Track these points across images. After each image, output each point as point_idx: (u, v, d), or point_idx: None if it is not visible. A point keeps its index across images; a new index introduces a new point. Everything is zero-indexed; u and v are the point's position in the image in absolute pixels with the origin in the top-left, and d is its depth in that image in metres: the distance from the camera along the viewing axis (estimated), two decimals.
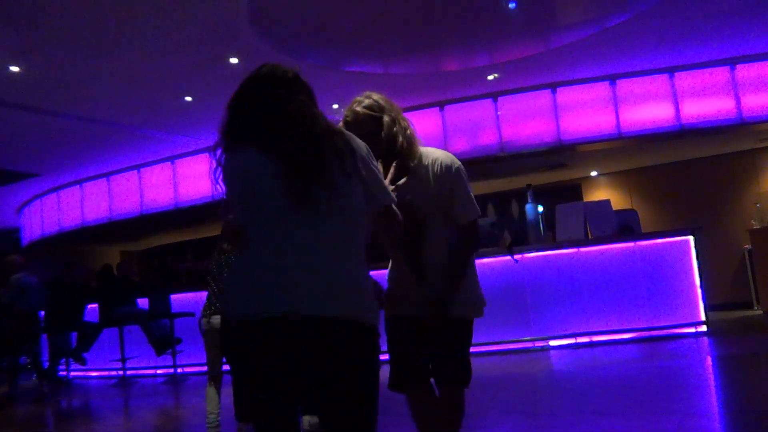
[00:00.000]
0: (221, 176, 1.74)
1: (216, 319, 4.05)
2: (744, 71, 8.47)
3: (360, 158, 1.75)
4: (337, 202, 1.66)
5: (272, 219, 1.66)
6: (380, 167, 2.07)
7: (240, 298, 1.64)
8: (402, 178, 2.42)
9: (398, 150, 2.41)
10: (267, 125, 1.70)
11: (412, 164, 2.43)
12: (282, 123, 1.70)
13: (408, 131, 2.45)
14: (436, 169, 2.44)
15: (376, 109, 2.43)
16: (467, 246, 2.51)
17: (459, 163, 2.49)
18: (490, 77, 8.37)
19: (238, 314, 1.62)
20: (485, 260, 6.73)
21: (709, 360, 5.56)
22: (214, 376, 4.17)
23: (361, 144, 1.80)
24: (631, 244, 6.74)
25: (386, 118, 2.42)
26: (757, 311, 8.49)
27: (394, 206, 1.84)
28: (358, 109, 2.41)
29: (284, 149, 1.66)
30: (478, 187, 10.46)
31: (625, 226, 6.98)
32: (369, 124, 2.39)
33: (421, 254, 2.45)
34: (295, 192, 1.63)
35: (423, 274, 2.46)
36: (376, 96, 2.47)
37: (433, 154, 2.48)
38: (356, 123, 2.38)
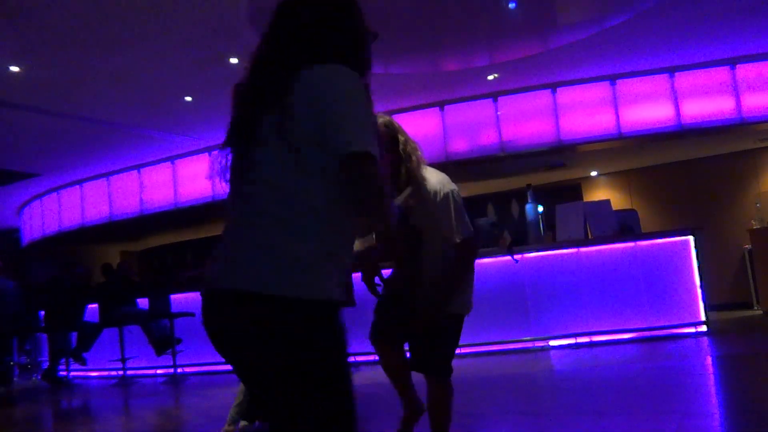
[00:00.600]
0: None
1: None
2: (744, 71, 8.46)
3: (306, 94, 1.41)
4: (264, 168, 1.43)
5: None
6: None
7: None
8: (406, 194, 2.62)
9: (408, 168, 2.63)
10: None
11: (418, 183, 2.65)
12: None
13: (418, 152, 2.70)
14: (433, 191, 2.66)
15: (391, 128, 2.67)
16: (462, 263, 2.73)
17: (453, 186, 2.72)
18: (490, 77, 8.37)
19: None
20: (485, 260, 6.73)
21: (709, 360, 5.56)
22: None
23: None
24: (631, 244, 6.74)
25: (401, 137, 2.66)
26: (757, 311, 8.49)
27: (364, 156, 1.36)
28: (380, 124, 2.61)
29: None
30: (478, 187, 10.48)
31: (625, 226, 6.98)
32: (387, 141, 2.61)
33: (419, 265, 2.70)
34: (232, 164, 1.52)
35: (419, 281, 2.70)
36: (384, 117, 2.70)
37: (433, 176, 2.71)
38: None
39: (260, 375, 1.38)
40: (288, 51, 1.50)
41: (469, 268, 2.77)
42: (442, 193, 2.65)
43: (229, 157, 1.55)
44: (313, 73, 1.41)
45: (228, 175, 1.55)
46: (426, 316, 2.65)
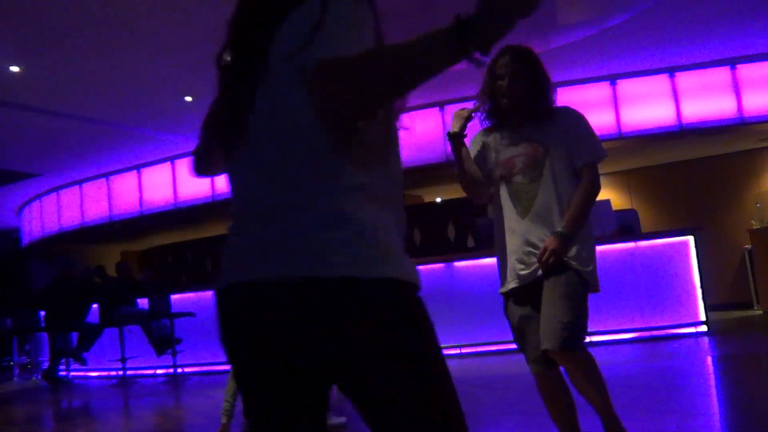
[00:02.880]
0: None
1: None
2: (744, 71, 8.46)
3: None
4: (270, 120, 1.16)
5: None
6: None
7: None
8: None
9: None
10: None
11: None
12: None
13: None
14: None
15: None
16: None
17: None
18: None
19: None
20: (486, 260, 6.72)
21: (709, 360, 5.56)
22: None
23: None
24: (631, 244, 6.74)
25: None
26: (757, 311, 8.49)
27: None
28: None
29: None
30: None
31: (625, 226, 6.97)
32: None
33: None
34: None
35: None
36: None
37: None
38: None
39: (353, 372, 1.13)
40: None
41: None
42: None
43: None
44: None
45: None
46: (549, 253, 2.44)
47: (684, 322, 6.53)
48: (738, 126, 8.45)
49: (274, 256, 1.12)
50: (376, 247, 1.11)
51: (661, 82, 8.60)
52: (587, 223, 2.60)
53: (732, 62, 8.42)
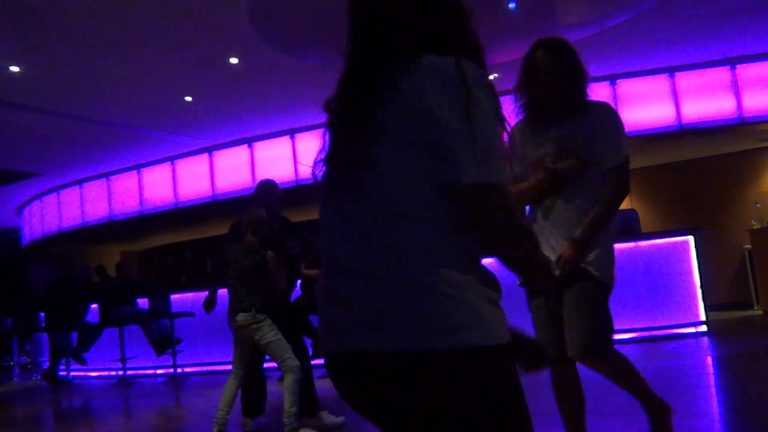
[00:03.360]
0: None
1: (240, 317, 4.05)
2: (744, 71, 8.46)
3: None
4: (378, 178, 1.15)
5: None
6: None
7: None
8: None
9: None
10: None
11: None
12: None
13: None
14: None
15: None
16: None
17: None
18: (490, 77, 8.35)
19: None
20: (485, 260, 6.72)
21: (709, 360, 5.56)
22: (235, 372, 4.16)
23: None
24: (631, 244, 6.74)
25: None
26: (757, 311, 8.48)
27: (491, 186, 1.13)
28: None
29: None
30: None
31: (625, 226, 6.97)
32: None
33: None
34: (327, 176, 1.26)
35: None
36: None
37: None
38: None
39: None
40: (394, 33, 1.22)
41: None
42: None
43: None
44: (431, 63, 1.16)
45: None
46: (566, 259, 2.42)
47: (684, 322, 6.53)
48: (738, 126, 8.45)
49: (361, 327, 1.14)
50: (457, 314, 1.11)
51: (661, 82, 8.60)
52: (609, 227, 2.55)
53: (732, 62, 8.42)
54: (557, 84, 2.49)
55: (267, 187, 4.73)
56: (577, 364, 2.60)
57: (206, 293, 4.79)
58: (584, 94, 2.59)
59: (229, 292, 4.17)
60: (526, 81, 2.56)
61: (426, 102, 1.12)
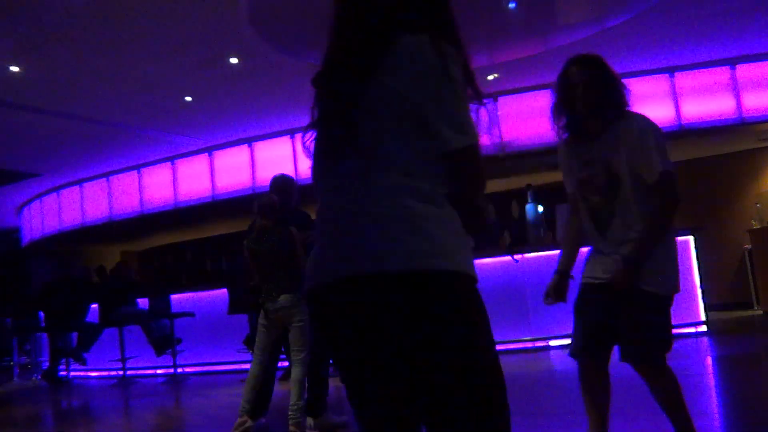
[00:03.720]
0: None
1: (283, 298, 4.00)
2: (744, 71, 8.46)
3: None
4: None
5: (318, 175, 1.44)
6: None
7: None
8: None
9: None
10: None
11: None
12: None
13: None
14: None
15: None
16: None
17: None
18: (490, 77, 8.36)
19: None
20: (485, 260, 6.73)
21: (709, 360, 5.56)
22: (260, 359, 4.13)
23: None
24: None
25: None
26: (757, 311, 8.49)
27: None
28: None
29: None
30: None
31: None
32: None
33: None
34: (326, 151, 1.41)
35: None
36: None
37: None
38: None
39: (428, 354, 1.26)
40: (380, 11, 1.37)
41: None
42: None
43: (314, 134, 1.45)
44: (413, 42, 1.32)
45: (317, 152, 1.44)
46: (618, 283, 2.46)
47: (684, 322, 6.52)
48: (738, 126, 8.45)
49: (349, 254, 1.30)
50: (431, 241, 1.27)
51: (660, 82, 8.60)
52: (664, 239, 2.52)
53: (732, 62, 8.42)
54: (595, 95, 2.52)
55: (279, 182, 4.62)
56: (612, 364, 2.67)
57: (206, 293, 4.77)
58: (624, 102, 2.61)
59: (260, 278, 4.07)
60: (564, 99, 2.56)
61: (409, 81, 1.30)
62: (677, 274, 2.58)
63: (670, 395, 2.54)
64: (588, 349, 2.59)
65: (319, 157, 1.43)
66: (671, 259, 2.56)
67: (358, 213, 1.30)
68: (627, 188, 2.49)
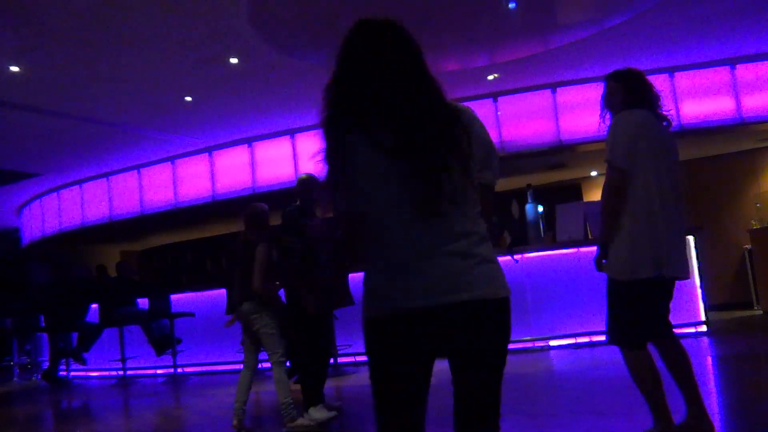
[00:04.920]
0: (339, 159, 1.66)
1: (244, 306, 4.40)
2: (744, 71, 8.46)
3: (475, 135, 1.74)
4: (456, 204, 1.66)
5: (395, 227, 1.65)
6: None
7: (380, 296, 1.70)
8: None
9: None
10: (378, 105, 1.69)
11: None
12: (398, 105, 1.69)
13: None
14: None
15: None
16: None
17: None
18: (490, 77, 8.36)
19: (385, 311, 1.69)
20: None
21: (709, 360, 5.56)
22: (247, 363, 4.49)
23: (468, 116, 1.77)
24: None
25: None
26: (757, 311, 8.49)
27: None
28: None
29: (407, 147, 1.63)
30: None
31: None
32: None
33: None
34: (421, 205, 1.62)
35: None
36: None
37: None
38: None
39: (483, 359, 1.67)
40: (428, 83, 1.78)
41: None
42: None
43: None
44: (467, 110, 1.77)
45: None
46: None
47: (684, 322, 6.52)
48: (738, 126, 8.45)
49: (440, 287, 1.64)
50: (498, 275, 1.71)
51: (661, 82, 8.59)
52: (611, 224, 3.02)
53: (731, 62, 8.42)
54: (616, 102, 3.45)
55: (305, 181, 4.79)
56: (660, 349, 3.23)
57: (206, 293, 4.90)
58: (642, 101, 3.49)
59: (237, 283, 4.41)
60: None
61: (478, 132, 1.75)
62: (629, 259, 2.99)
63: (643, 383, 3.01)
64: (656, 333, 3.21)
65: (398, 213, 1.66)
66: (624, 244, 2.97)
67: (440, 251, 1.64)
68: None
